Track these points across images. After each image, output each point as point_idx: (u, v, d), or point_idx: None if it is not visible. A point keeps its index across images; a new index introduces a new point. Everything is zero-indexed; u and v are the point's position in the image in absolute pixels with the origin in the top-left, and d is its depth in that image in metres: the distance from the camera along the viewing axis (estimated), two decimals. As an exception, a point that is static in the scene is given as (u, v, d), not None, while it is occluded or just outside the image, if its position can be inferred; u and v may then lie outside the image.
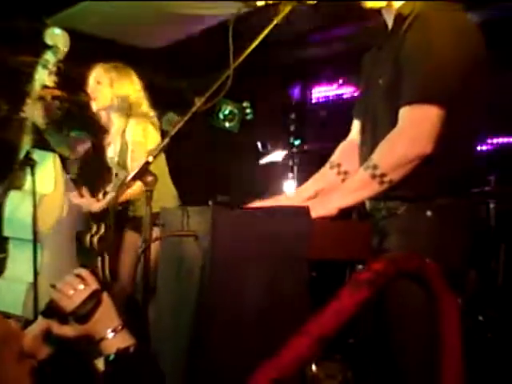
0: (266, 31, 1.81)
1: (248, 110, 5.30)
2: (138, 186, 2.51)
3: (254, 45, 1.80)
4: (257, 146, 4.99)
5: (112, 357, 1.35)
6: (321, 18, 4.25)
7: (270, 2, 1.83)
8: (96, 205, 3.31)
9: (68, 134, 3.81)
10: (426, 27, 1.77)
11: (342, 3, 3.03)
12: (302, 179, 3.84)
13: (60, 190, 3.54)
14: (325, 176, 2.16)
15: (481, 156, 4.37)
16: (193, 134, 3.34)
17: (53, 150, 3.60)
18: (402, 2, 1.88)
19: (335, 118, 5.35)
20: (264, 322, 1.63)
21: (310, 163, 4.27)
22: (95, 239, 3.39)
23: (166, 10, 4.52)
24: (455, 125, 1.75)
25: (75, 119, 3.81)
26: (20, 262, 3.43)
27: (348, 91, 5.52)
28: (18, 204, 3.41)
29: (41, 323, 1.39)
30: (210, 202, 2.20)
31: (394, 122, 1.78)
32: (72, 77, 3.43)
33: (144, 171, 1.79)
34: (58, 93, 3.44)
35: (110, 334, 1.37)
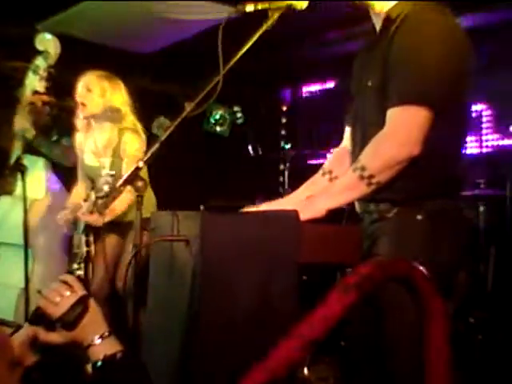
0: (256, 36, 1.81)
1: (239, 115, 5.30)
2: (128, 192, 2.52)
3: (244, 49, 1.80)
4: (248, 149, 5.00)
5: (99, 363, 1.34)
6: (313, 21, 4.25)
7: (259, 7, 1.84)
8: (101, 220, 3.29)
9: (58, 139, 3.79)
10: (414, 30, 1.78)
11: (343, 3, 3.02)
12: (293, 184, 3.85)
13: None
14: (316, 182, 2.16)
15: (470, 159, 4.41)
16: (188, 139, 3.35)
17: (47, 158, 3.59)
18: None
19: (326, 122, 5.37)
20: (254, 326, 1.64)
21: (301, 167, 4.29)
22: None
23: (157, 15, 4.52)
24: (443, 127, 1.76)
25: (65, 125, 3.79)
26: (11, 267, 3.42)
27: (339, 94, 5.53)
28: (8, 209, 3.40)
29: (27, 330, 1.38)
30: (202, 207, 2.20)
31: (383, 124, 1.78)
32: (62, 82, 3.42)
33: (134, 176, 1.79)
34: (48, 98, 3.42)
35: (97, 341, 1.36)
